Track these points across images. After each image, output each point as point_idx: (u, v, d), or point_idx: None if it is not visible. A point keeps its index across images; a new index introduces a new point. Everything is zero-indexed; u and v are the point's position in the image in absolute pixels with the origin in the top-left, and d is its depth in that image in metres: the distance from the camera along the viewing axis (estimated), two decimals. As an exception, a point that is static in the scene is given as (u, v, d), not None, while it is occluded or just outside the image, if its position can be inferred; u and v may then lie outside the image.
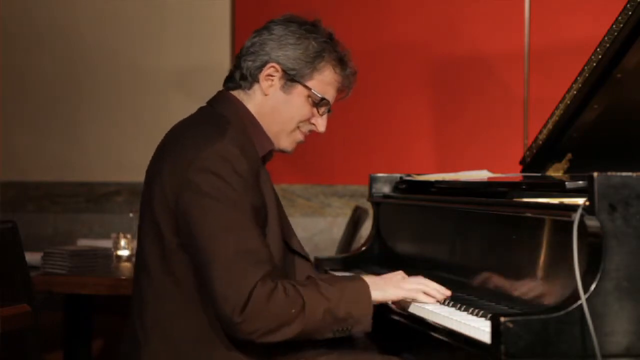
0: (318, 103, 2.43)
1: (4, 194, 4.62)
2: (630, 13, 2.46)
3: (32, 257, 3.20)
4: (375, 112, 4.35)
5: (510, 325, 1.86)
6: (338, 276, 2.48)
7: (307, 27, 2.43)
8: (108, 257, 3.48)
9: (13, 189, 4.66)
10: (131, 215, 3.70)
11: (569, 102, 2.80)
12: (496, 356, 1.87)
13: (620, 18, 2.50)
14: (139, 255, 2.39)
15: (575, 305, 1.87)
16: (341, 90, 2.48)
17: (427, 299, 2.32)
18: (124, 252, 3.65)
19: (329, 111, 2.47)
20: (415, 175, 3.07)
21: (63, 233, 4.60)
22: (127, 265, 3.55)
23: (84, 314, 3.76)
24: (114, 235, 3.72)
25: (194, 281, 2.25)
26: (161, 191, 2.29)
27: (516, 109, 4.19)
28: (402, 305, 2.35)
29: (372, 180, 3.13)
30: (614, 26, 2.53)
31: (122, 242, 3.66)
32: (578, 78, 2.73)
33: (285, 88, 2.41)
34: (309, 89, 2.41)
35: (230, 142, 2.27)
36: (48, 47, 4.65)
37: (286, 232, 2.43)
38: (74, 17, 4.64)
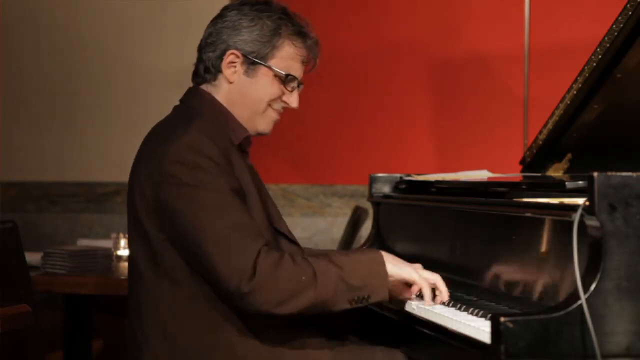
0: (285, 80, 2.42)
1: (4, 194, 4.62)
2: (630, 13, 2.46)
3: (32, 257, 3.20)
4: (375, 112, 4.35)
5: (510, 325, 1.86)
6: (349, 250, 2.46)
7: (259, 7, 2.43)
8: (108, 257, 3.48)
9: (13, 189, 4.66)
10: (131, 215, 3.70)
11: (569, 102, 2.80)
12: (496, 356, 1.86)
13: (620, 18, 2.50)
14: (130, 259, 2.41)
15: (575, 305, 1.87)
16: (306, 62, 2.47)
17: (429, 295, 2.29)
18: (124, 252, 3.65)
19: (299, 85, 2.46)
20: (415, 175, 3.07)
21: (63, 233, 4.60)
22: (127, 265, 3.54)
23: (84, 314, 3.75)
24: (114, 235, 3.72)
25: (188, 279, 2.25)
26: (140, 191, 2.30)
27: (516, 109, 4.19)
28: (404, 298, 2.37)
29: (372, 180, 3.13)
30: (614, 26, 2.52)
31: (122, 242, 3.67)
32: (578, 78, 2.73)
33: (248, 72, 2.41)
34: (271, 68, 2.40)
35: (197, 131, 2.27)
36: (48, 47, 4.65)
37: (273, 215, 2.43)
38: (74, 17, 4.64)
